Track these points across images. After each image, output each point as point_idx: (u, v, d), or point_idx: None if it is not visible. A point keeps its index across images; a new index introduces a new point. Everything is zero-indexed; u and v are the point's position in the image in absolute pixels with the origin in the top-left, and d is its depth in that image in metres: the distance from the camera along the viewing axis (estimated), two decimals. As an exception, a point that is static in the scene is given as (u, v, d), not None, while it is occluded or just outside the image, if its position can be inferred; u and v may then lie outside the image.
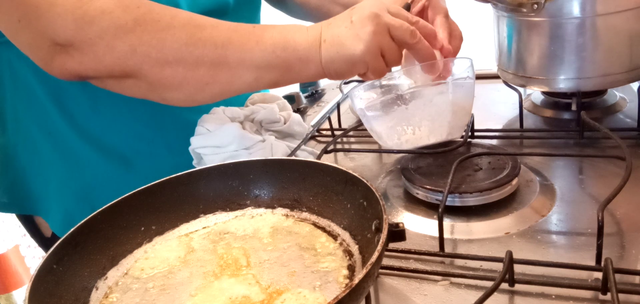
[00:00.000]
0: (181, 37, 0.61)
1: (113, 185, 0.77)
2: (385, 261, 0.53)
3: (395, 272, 0.52)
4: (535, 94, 0.89)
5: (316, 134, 0.87)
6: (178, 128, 0.77)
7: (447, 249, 0.54)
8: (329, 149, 0.75)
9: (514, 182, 0.60)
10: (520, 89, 0.81)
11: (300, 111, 1.01)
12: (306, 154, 0.75)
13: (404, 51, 0.69)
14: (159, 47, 0.61)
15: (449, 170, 0.60)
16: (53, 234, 0.83)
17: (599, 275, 0.45)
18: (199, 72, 0.62)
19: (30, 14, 0.59)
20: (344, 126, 0.91)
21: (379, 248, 0.42)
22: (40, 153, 0.77)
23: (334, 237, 0.53)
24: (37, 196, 0.81)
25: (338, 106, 0.92)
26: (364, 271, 0.39)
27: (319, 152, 0.72)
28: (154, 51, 0.61)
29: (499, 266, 0.48)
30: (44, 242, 0.87)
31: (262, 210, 0.60)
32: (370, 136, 0.73)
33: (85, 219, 0.51)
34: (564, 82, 0.74)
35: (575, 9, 0.70)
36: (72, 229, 0.50)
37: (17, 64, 0.72)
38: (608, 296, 0.44)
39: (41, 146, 0.77)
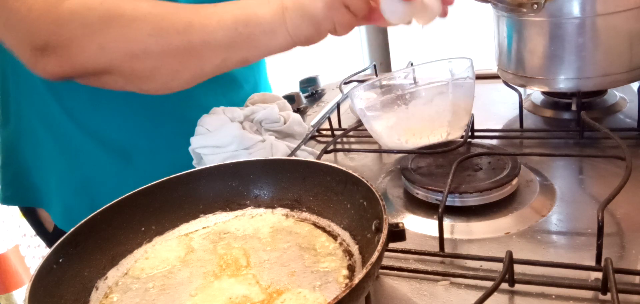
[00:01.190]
0: (144, 28, 0.61)
1: (112, 178, 0.77)
2: (385, 261, 0.53)
3: (395, 272, 0.52)
4: (535, 94, 0.89)
5: (316, 134, 0.87)
6: (176, 123, 0.78)
7: (447, 249, 0.54)
8: (329, 149, 0.75)
9: (514, 182, 0.60)
10: (520, 89, 0.81)
11: (300, 111, 1.01)
12: (306, 154, 0.75)
13: None
14: (126, 42, 0.61)
15: (449, 170, 0.60)
16: (55, 227, 0.83)
17: (599, 275, 0.45)
18: (167, 61, 0.63)
19: (11, 18, 0.61)
20: (344, 126, 0.91)
21: (379, 248, 0.42)
22: (41, 147, 0.78)
23: (334, 237, 0.53)
24: (39, 189, 0.81)
25: (338, 106, 0.92)
26: (364, 271, 0.39)
27: (319, 152, 0.72)
28: (122, 46, 0.61)
29: (499, 266, 0.48)
30: (46, 236, 0.88)
31: (262, 210, 0.60)
32: (370, 136, 0.73)
33: (86, 219, 0.52)
34: (564, 82, 0.74)
35: (575, 9, 0.70)
36: (72, 229, 0.50)
37: (19, 60, 0.74)
38: (608, 296, 0.44)
39: (42, 139, 0.78)
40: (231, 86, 0.85)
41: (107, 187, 0.77)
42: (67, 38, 0.61)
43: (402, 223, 0.46)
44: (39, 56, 0.62)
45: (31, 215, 0.88)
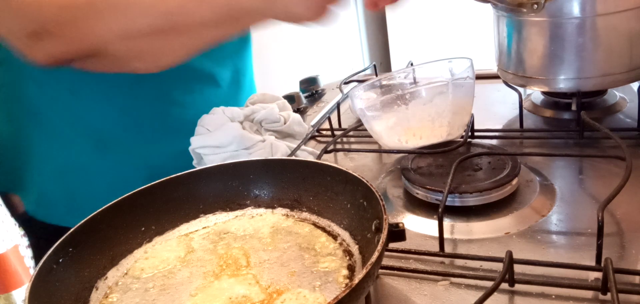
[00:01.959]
0: (136, 9, 0.62)
1: (89, 169, 0.78)
2: (385, 261, 0.53)
3: (395, 272, 0.52)
4: (535, 94, 0.89)
5: (316, 134, 0.87)
6: (154, 119, 0.79)
7: (447, 249, 0.54)
8: (329, 149, 0.75)
9: (514, 182, 0.60)
10: (520, 89, 0.81)
11: (300, 111, 1.01)
12: (306, 154, 0.75)
13: None
14: (118, 24, 0.62)
15: (449, 170, 0.60)
16: (24, 213, 0.84)
17: (599, 275, 0.45)
18: (159, 40, 0.64)
19: (4, 7, 0.62)
20: (344, 126, 0.91)
21: (379, 248, 0.42)
22: (24, 133, 0.79)
23: (334, 237, 0.53)
24: (17, 174, 0.82)
25: (338, 106, 0.92)
26: (364, 271, 0.39)
27: (319, 152, 0.72)
28: (114, 28, 0.63)
29: (499, 266, 0.48)
30: (18, 218, 0.89)
31: (262, 210, 0.60)
32: (370, 136, 0.73)
33: (86, 219, 0.51)
34: (564, 82, 0.74)
35: (575, 9, 0.70)
36: (72, 229, 0.50)
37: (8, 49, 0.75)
38: (608, 296, 0.44)
39: (25, 126, 0.79)
40: (209, 84, 0.85)
41: (83, 176, 0.79)
42: (59, 23, 0.62)
43: (402, 223, 0.46)
44: (33, 42, 0.63)
45: (3, 197, 0.89)
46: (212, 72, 0.85)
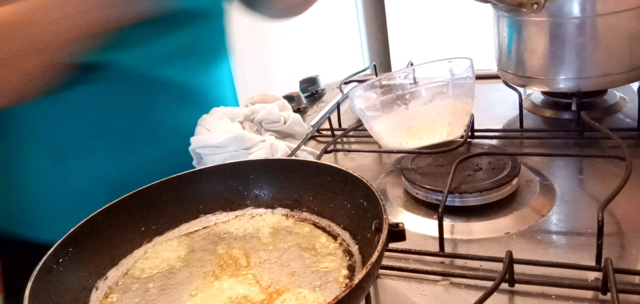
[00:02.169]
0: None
1: (49, 179, 0.76)
2: (385, 261, 0.53)
3: (395, 272, 0.52)
4: (535, 94, 0.89)
5: (316, 134, 0.87)
6: (120, 127, 0.77)
7: (447, 249, 0.54)
8: (329, 149, 0.75)
9: (514, 182, 0.60)
10: (520, 89, 0.81)
11: (300, 111, 1.01)
12: (306, 154, 0.75)
13: None
14: None
15: (449, 170, 0.60)
16: None
17: (599, 275, 0.45)
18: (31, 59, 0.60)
19: None
20: (344, 126, 0.91)
21: (379, 248, 0.42)
22: None
23: (334, 237, 0.53)
24: None
25: (338, 106, 0.92)
26: (364, 271, 0.39)
27: (319, 152, 0.72)
28: None
29: (499, 266, 0.48)
30: None
31: (262, 210, 0.60)
32: (370, 136, 0.73)
33: (86, 219, 0.51)
34: (564, 82, 0.74)
35: (575, 9, 0.70)
36: (72, 229, 0.50)
37: None
38: (608, 296, 0.44)
39: None
40: (179, 95, 0.81)
41: (43, 188, 0.76)
42: None
43: (402, 223, 0.46)
44: None
45: None
46: (182, 82, 0.81)
